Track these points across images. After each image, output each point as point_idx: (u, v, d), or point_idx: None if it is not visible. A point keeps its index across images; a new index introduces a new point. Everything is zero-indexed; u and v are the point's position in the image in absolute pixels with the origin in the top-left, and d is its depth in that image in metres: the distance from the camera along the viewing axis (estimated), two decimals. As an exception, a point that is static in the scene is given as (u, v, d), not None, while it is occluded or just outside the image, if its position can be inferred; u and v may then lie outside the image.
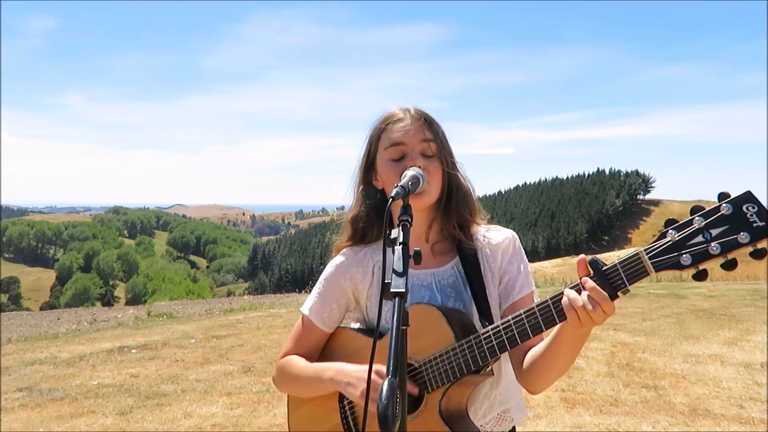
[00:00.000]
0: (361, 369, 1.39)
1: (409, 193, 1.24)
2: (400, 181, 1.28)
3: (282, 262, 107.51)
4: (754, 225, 1.05)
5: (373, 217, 1.50)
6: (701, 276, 1.12)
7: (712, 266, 1.13)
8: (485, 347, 1.32)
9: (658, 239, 1.13)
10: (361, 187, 1.52)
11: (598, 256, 1.23)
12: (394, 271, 1.08)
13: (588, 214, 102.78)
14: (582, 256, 1.22)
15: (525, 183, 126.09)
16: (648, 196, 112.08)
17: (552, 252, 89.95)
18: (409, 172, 1.32)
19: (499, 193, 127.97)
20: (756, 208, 1.05)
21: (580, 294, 1.20)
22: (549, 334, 1.33)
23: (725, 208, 1.07)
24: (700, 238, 1.09)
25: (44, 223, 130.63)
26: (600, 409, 4.60)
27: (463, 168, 1.52)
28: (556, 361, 1.32)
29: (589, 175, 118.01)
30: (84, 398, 5.36)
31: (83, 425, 4.67)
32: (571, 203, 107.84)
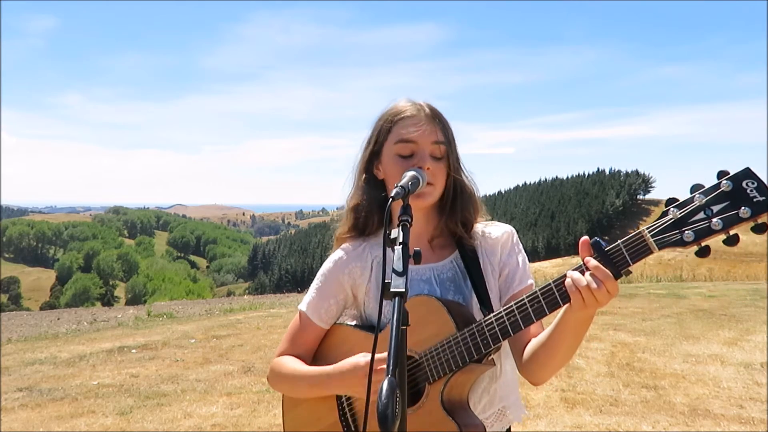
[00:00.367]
0: (354, 361, 1.38)
1: (408, 193, 1.24)
2: (400, 180, 1.28)
3: (282, 262, 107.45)
4: (755, 200, 1.06)
5: (374, 208, 1.49)
6: (704, 252, 1.12)
7: (715, 242, 1.13)
8: (488, 334, 1.30)
9: (660, 217, 1.13)
10: (364, 176, 1.50)
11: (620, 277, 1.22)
12: (394, 270, 1.08)
13: (588, 214, 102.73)
14: (585, 237, 1.21)
15: (525, 183, 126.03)
16: (648, 196, 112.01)
17: (552, 252, 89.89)
18: (409, 173, 1.32)
19: (499, 193, 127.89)
20: (756, 184, 1.06)
21: (583, 275, 1.19)
22: (550, 324, 1.32)
23: (725, 185, 1.08)
24: (701, 215, 1.09)
25: (44, 223, 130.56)
26: (600, 409, 4.60)
27: (467, 169, 1.52)
28: (560, 347, 1.31)
29: (589, 175, 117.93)
30: (84, 398, 5.36)
31: (83, 425, 4.67)
32: (571, 203, 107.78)
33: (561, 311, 1.27)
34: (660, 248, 1.13)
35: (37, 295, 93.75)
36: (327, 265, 1.56)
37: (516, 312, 1.28)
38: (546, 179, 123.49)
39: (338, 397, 1.50)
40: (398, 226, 1.17)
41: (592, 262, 1.18)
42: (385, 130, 1.46)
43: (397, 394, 0.94)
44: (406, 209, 1.21)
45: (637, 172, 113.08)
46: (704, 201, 1.09)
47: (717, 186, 1.09)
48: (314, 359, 1.56)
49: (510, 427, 1.55)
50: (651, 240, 1.13)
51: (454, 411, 1.35)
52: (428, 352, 1.35)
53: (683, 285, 12.67)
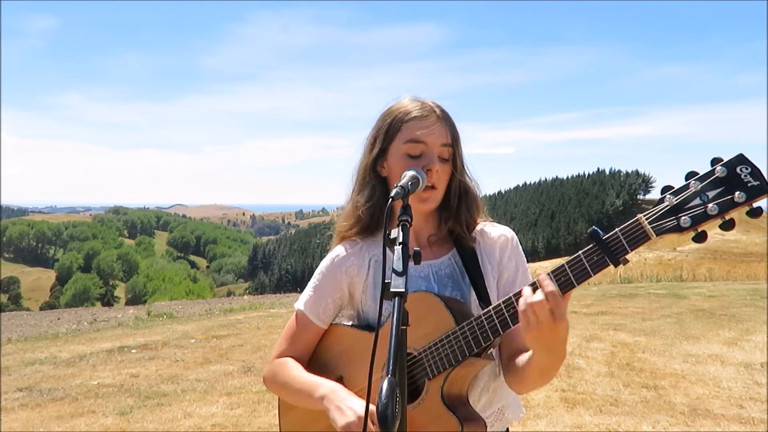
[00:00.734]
0: (354, 399, 1.35)
1: (408, 193, 1.24)
2: (400, 180, 1.28)
3: (282, 262, 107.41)
4: (749, 185, 1.07)
5: (380, 206, 1.48)
6: (701, 238, 1.13)
7: (711, 228, 1.14)
8: (487, 327, 1.30)
9: (656, 204, 1.14)
10: (370, 174, 1.49)
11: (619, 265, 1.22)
12: (394, 270, 1.08)
13: (588, 214, 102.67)
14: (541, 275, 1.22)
15: (525, 183, 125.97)
16: (648, 196, 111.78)
17: (552, 252, 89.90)
18: (409, 172, 1.32)
19: (499, 193, 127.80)
20: (750, 169, 1.07)
21: (534, 292, 1.20)
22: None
23: (720, 171, 1.09)
24: (697, 201, 1.11)
25: (44, 223, 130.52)
26: (600, 409, 4.60)
27: (471, 170, 1.51)
28: (533, 370, 1.32)
29: (589, 175, 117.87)
30: (84, 398, 5.36)
31: (83, 425, 4.67)
32: (571, 203, 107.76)
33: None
34: (657, 234, 1.14)
35: (37, 295, 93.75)
36: (324, 263, 1.55)
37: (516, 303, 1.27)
38: (546, 179, 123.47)
39: None
40: (398, 226, 1.17)
41: (543, 278, 1.20)
42: (394, 129, 1.44)
43: (397, 394, 0.94)
44: (406, 209, 1.20)
45: (637, 172, 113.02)
46: (699, 187, 1.11)
47: (712, 172, 1.10)
48: (311, 359, 1.55)
49: (508, 428, 1.54)
50: (648, 226, 1.14)
51: (455, 406, 1.34)
52: (427, 348, 1.34)
53: (683, 285, 12.67)
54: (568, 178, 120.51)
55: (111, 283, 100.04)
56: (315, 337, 1.55)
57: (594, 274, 1.20)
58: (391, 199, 1.19)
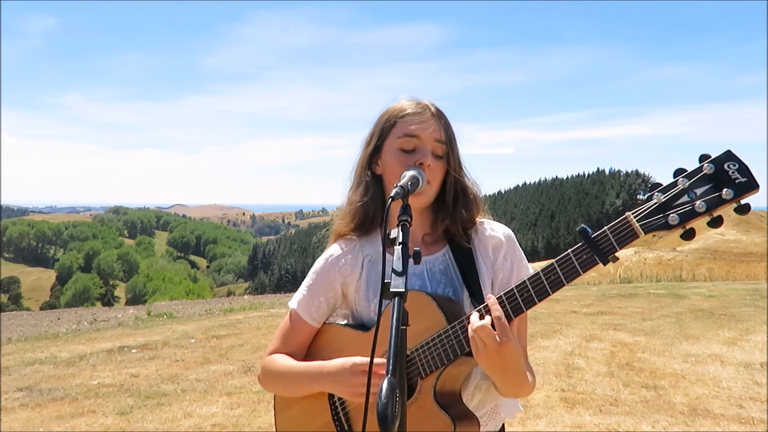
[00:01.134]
0: (342, 362, 1.39)
1: (408, 193, 1.24)
2: (400, 180, 1.28)
3: (282, 262, 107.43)
4: (737, 181, 1.07)
5: (377, 205, 1.49)
6: (689, 235, 1.13)
7: (699, 224, 1.13)
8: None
9: (645, 202, 1.14)
10: (366, 172, 1.49)
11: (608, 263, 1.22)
12: (393, 270, 1.08)
13: (588, 214, 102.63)
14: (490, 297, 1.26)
15: (525, 183, 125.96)
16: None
17: (552, 252, 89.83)
18: (409, 172, 1.32)
19: (499, 193, 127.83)
20: (737, 165, 1.07)
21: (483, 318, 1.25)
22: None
23: (707, 168, 1.09)
24: (685, 198, 1.11)
25: (44, 223, 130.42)
26: (600, 409, 4.61)
27: (469, 170, 1.51)
28: (498, 387, 1.35)
29: (589, 175, 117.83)
30: (84, 398, 5.36)
31: (83, 425, 4.67)
32: (571, 203, 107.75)
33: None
34: (646, 232, 1.13)
35: (37, 295, 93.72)
36: (318, 263, 1.56)
37: (506, 302, 1.27)
38: (546, 179, 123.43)
39: (330, 397, 1.49)
40: (398, 226, 1.17)
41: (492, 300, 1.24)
42: (388, 126, 1.46)
43: (397, 394, 0.94)
44: (406, 209, 1.20)
45: (637, 172, 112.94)
46: (687, 184, 1.10)
47: (699, 169, 1.10)
48: (305, 358, 1.55)
49: (504, 425, 1.53)
50: (636, 224, 1.14)
51: (447, 405, 1.34)
52: (420, 347, 1.34)
53: (683, 285, 12.66)
54: (568, 178, 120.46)
55: (111, 283, 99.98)
56: (308, 336, 1.55)
57: (583, 273, 1.20)
58: (390, 200, 1.19)
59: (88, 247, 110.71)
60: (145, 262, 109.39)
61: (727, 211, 1.11)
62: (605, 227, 1.17)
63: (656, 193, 1.13)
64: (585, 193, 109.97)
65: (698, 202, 1.09)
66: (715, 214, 1.10)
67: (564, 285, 1.22)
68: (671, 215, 1.11)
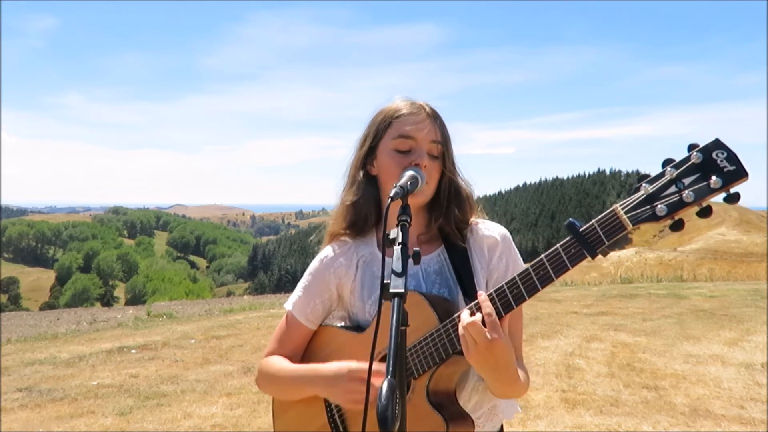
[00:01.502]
0: (338, 368, 1.37)
1: (408, 193, 1.23)
2: (399, 180, 1.28)
3: (282, 262, 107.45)
4: (725, 170, 1.05)
5: (371, 205, 1.48)
6: (678, 226, 1.10)
7: (688, 215, 1.11)
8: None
9: (632, 193, 1.12)
10: (360, 173, 1.49)
11: (597, 257, 1.21)
12: (393, 271, 1.07)
13: (588, 214, 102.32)
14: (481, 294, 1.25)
15: (525, 183, 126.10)
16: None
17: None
18: (408, 172, 1.31)
19: (499, 193, 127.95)
20: (726, 154, 1.05)
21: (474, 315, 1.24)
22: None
23: (695, 157, 1.07)
24: (673, 189, 1.09)
25: (44, 223, 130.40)
26: (600, 410, 4.60)
27: (462, 171, 1.51)
28: (490, 388, 1.34)
29: (589, 175, 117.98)
30: (84, 398, 5.35)
31: (83, 425, 4.66)
32: (571, 203, 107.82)
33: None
34: (634, 224, 1.11)
35: (37, 296, 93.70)
36: (313, 264, 1.55)
37: (496, 299, 1.25)
38: (546, 179, 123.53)
39: (326, 399, 1.48)
40: (397, 226, 1.16)
41: (483, 297, 1.23)
42: (383, 127, 1.45)
43: (397, 394, 0.93)
44: (406, 209, 1.19)
45: (637, 172, 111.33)
46: (675, 174, 1.08)
47: (687, 158, 1.08)
48: (301, 360, 1.55)
49: (502, 425, 1.52)
50: (624, 216, 1.12)
51: (441, 405, 1.33)
52: (412, 346, 1.33)
53: (684, 285, 12.66)
54: (568, 178, 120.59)
55: (111, 283, 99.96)
56: (304, 337, 1.54)
57: (572, 267, 1.18)
58: (390, 199, 1.18)
59: (88, 248, 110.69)
60: (144, 263, 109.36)
61: (715, 200, 1.08)
62: (593, 220, 1.15)
63: (644, 184, 1.11)
64: (585, 193, 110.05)
65: (686, 192, 1.07)
66: (704, 204, 1.07)
67: (553, 280, 1.20)
68: (659, 206, 1.09)
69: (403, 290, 1.04)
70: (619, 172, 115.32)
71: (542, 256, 1.21)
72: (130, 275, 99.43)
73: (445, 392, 1.36)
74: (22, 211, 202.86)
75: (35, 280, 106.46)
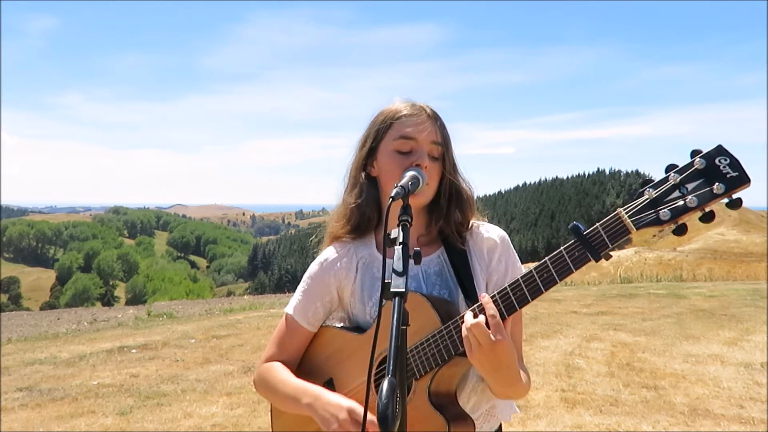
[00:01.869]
0: (338, 404, 1.34)
1: (408, 193, 1.23)
2: (400, 180, 1.28)
3: (282, 262, 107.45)
4: (728, 176, 1.06)
5: (372, 206, 1.48)
6: (681, 230, 1.12)
7: (691, 220, 1.13)
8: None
9: (636, 198, 1.13)
10: (361, 174, 1.49)
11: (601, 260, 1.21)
12: (393, 270, 1.08)
13: (588, 214, 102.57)
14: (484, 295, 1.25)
15: (525, 183, 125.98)
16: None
17: (552, 252, 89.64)
18: (409, 172, 1.32)
19: (499, 193, 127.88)
20: (728, 160, 1.07)
21: (476, 317, 1.24)
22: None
23: (699, 163, 1.08)
24: (676, 194, 1.10)
25: (44, 223, 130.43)
26: (600, 409, 4.60)
27: (463, 171, 1.51)
28: (492, 388, 1.34)
29: (589, 175, 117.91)
30: (84, 398, 5.36)
31: (83, 425, 4.67)
32: (571, 203, 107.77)
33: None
34: (637, 228, 1.13)
35: (37, 295, 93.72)
36: (313, 267, 1.55)
37: (499, 301, 1.26)
38: (546, 179, 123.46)
39: None
40: (398, 226, 1.17)
41: (486, 299, 1.24)
42: (384, 128, 1.45)
43: (397, 394, 0.94)
44: (407, 209, 1.20)
45: (637, 172, 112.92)
46: (678, 179, 1.10)
47: (690, 164, 1.09)
48: (301, 362, 1.55)
49: (501, 426, 1.53)
50: (628, 220, 1.13)
51: (442, 406, 1.33)
52: (413, 348, 1.33)
53: (683, 285, 12.66)
54: (568, 178, 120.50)
55: (111, 283, 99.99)
56: (305, 341, 1.54)
57: (576, 270, 1.19)
58: (391, 200, 1.18)
59: (88, 247, 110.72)
60: (145, 262, 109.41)
61: (721, 208, 1.10)
62: (597, 224, 1.16)
63: (647, 189, 1.12)
64: (585, 193, 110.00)
65: (690, 197, 1.08)
66: (707, 209, 1.09)
67: (557, 282, 1.21)
68: (662, 210, 1.10)
69: (404, 289, 1.05)
70: (619, 172, 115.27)
71: (546, 258, 1.22)
72: (131, 275, 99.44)
73: (446, 393, 1.37)
74: (23, 211, 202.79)
75: (36, 279, 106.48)
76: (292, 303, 1.54)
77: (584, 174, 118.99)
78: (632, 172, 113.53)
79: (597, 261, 1.17)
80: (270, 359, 1.55)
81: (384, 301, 1.09)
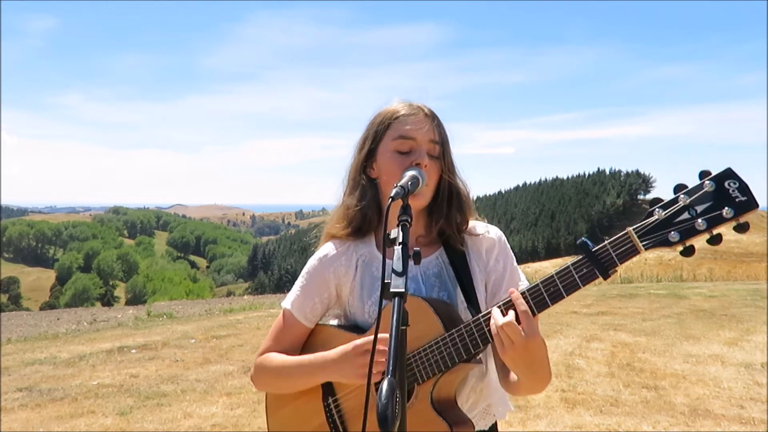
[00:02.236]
0: (345, 352, 1.37)
1: (408, 193, 1.23)
2: (400, 180, 1.28)
3: (282, 262, 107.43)
4: (737, 200, 1.08)
5: (373, 208, 1.48)
6: (689, 252, 1.14)
7: (699, 242, 1.15)
8: (476, 334, 1.30)
9: (646, 218, 1.15)
10: (361, 176, 1.49)
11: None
12: (393, 270, 1.07)
13: (588, 214, 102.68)
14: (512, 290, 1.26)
15: (525, 183, 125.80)
16: (648, 196, 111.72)
17: (552, 252, 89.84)
18: (409, 172, 1.31)
19: (499, 193, 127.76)
20: (737, 184, 1.08)
21: (505, 314, 1.24)
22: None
23: (708, 185, 1.10)
24: (686, 215, 1.12)
25: (44, 223, 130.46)
26: (600, 410, 4.60)
27: (461, 171, 1.51)
28: (519, 384, 1.36)
29: (589, 175, 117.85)
30: (84, 398, 5.36)
31: (83, 425, 4.66)
32: (571, 203, 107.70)
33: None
34: (646, 249, 1.14)
35: (37, 295, 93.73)
36: (312, 262, 1.54)
37: (528, 297, 1.27)
38: (546, 179, 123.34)
39: (324, 398, 1.48)
40: (398, 225, 1.16)
41: (516, 294, 1.24)
42: (382, 129, 1.46)
43: (397, 394, 0.93)
44: (406, 209, 1.20)
45: (637, 172, 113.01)
46: (688, 201, 1.11)
47: (700, 186, 1.11)
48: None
49: (496, 423, 1.54)
50: (637, 240, 1.15)
51: (444, 410, 1.34)
52: (416, 353, 1.34)
53: (683, 285, 12.67)
54: (568, 178, 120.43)
55: (111, 283, 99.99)
56: (302, 336, 1.54)
57: (583, 286, 1.21)
58: (390, 199, 1.18)
59: (88, 247, 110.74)
60: (144, 263, 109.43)
61: (726, 229, 1.13)
62: (606, 241, 1.18)
63: (657, 209, 1.14)
64: (585, 193, 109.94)
65: (699, 220, 1.10)
66: (714, 232, 1.11)
67: (564, 298, 1.23)
68: (671, 232, 1.12)
69: (403, 290, 1.05)
70: (619, 172, 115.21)
71: (553, 273, 1.23)
72: (131, 275, 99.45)
73: (447, 398, 1.38)
74: (23, 211, 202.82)
75: (35, 279, 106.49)
76: (290, 298, 1.53)
77: (584, 174, 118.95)
78: (632, 172, 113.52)
79: (605, 279, 1.18)
80: (265, 352, 1.55)
81: (384, 302, 1.09)
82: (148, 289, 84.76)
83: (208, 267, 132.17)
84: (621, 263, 1.17)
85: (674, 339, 6.86)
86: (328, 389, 1.48)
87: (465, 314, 1.42)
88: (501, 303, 1.27)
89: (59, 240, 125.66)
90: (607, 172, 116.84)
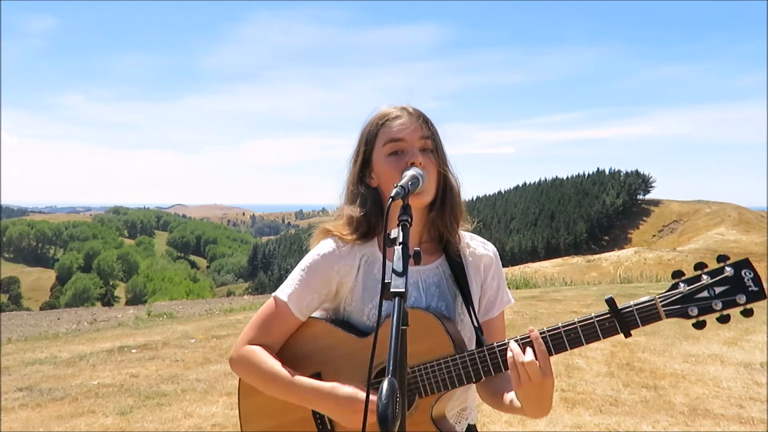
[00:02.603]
0: (355, 396, 1.37)
1: (408, 193, 1.24)
2: (400, 180, 1.28)
3: (282, 262, 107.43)
4: (750, 289, 1.23)
5: (375, 215, 1.48)
6: (701, 325, 1.28)
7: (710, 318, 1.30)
8: (489, 361, 1.36)
9: (670, 289, 1.30)
10: (359, 187, 1.49)
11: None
12: (393, 270, 1.08)
13: (588, 214, 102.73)
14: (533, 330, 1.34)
15: (525, 183, 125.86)
16: (648, 196, 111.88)
17: (552, 252, 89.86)
18: (409, 172, 1.32)
19: (499, 193, 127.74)
20: (752, 274, 1.24)
21: (524, 350, 1.32)
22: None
23: (728, 271, 1.25)
24: (705, 294, 1.26)
25: (44, 223, 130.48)
26: (600, 409, 4.61)
27: (454, 167, 1.52)
28: (523, 411, 1.39)
29: (589, 175, 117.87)
30: (84, 398, 5.36)
31: (83, 425, 4.67)
32: (571, 203, 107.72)
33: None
34: (667, 317, 1.29)
35: (38, 295, 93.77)
36: (314, 257, 1.49)
37: (548, 337, 1.35)
38: (546, 179, 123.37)
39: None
40: (398, 226, 1.17)
41: (535, 333, 1.32)
42: (372, 136, 1.47)
43: (397, 394, 0.94)
44: (406, 209, 1.20)
45: (637, 172, 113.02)
46: (710, 282, 1.26)
47: (721, 270, 1.25)
48: (284, 347, 1.52)
49: (475, 425, 1.60)
50: (662, 309, 1.29)
51: (440, 422, 1.41)
52: (423, 367, 1.37)
53: (683, 285, 12.66)
54: (568, 178, 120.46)
55: (111, 283, 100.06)
56: (292, 329, 1.51)
57: (603, 338, 1.36)
58: (390, 200, 1.19)
59: (88, 247, 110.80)
60: (145, 262, 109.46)
61: (735, 311, 1.26)
62: (631, 303, 1.33)
63: (681, 283, 1.28)
64: (585, 193, 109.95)
65: (716, 301, 1.25)
66: (725, 313, 1.26)
67: (582, 345, 1.37)
68: (691, 307, 1.27)
69: (403, 290, 1.05)
70: (619, 172, 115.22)
71: (575, 321, 1.36)
72: (131, 275, 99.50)
73: (441, 413, 1.45)
74: (23, 211, 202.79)
75: (36, 279, 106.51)
76: (287, 290, 1.49)
77: (584, 174, 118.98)
78: (632, 172, 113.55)
79: (626, 336, 1.33)
80: (251, 342, 1.52)
81: (384, 312, 1.13)
82: (149, 288, 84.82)
83: (208, 267, 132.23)
84: (642, 325, 1.32)
85: (674, 339, 6.86)
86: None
87: (459, 326, 1.47)
88: (519, 338, 1.34)
89: (59, 240, 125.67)
90: (607, 172, 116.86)
